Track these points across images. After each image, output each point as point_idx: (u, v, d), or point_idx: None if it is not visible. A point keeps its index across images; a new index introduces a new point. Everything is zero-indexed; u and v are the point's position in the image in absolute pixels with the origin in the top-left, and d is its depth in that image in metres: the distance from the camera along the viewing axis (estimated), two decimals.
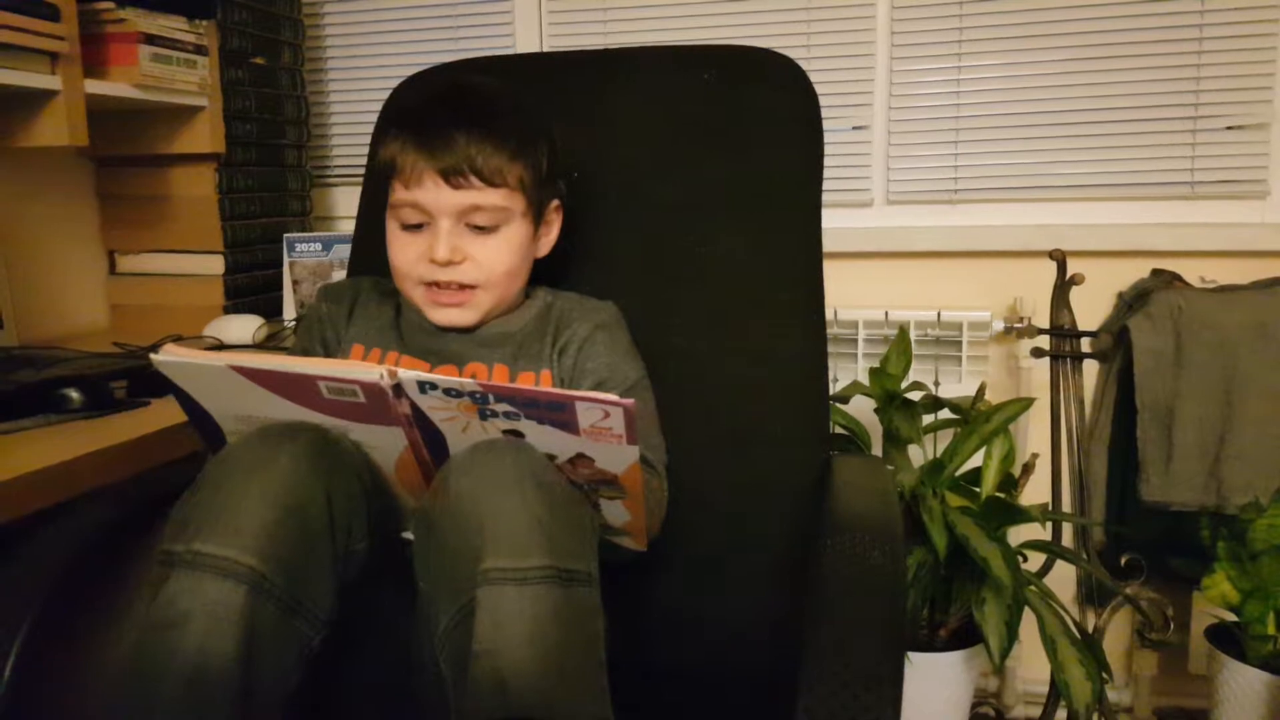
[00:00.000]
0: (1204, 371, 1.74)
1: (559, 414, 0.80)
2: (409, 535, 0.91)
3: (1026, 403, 1.69)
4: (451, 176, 0.98)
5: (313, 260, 1.87)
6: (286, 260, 1.88)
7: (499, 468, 0.80)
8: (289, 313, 1.87)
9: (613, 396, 0.77)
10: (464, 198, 0.99)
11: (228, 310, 1.81)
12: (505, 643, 0.73)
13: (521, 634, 0.73)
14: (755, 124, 1.18)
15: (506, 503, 0.77)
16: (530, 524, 0.77)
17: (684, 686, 1.04)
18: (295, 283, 1.88)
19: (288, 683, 0.78)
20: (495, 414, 0.82)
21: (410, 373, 0.80)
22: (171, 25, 1.63)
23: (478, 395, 0.80)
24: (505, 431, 0.84)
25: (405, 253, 1.03)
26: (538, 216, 1.07)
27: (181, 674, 0.72)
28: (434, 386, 0.80)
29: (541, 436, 0.83)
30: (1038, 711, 1.84)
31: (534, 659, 0.73)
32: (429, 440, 0.86)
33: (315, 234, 1.92)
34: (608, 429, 0.80)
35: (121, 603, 0.87)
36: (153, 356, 0.81)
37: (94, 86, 1.49)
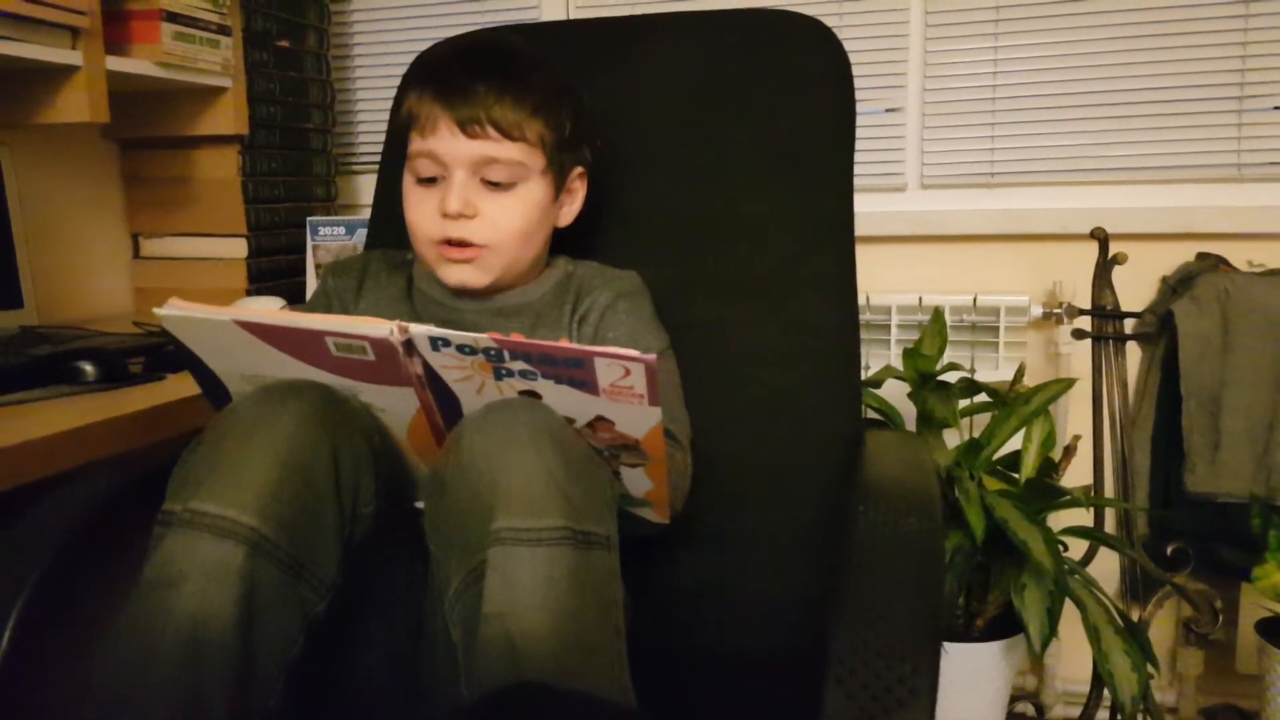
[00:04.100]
0: (1253, 357, 1.67)
1: (577, 371, 0.77)
2: (421, 505, 0.87)
3: (1068, 383, 1.63)
4: (468, 126, 0.95)
5: (336, 244, 1.85)
6: (310, 244, 1.86)
7: (514, 425, 0.76)
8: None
9: (633, 351, 0.73)
10: (479, 148, 0.96)
11: (250, 295, 1.79)
12: (517, 605, 0.69)
13: (534, 596, 0.70)
14: (784, 86, 1.14)
15: (521, 460, 0.74)
16: (546, 483, 0.73)
17: (710, 665, 1.00)
18: (318, 266, 1.86)
19: (289, 649, 0.75)
20: (511, 373, 0.79)
21: (422, 327, 0.77)
22: (194, 4, 1.61)
23: (492, 352, 0.77)
24: (522, 393, 0.80)
25: (420, 208, 1.00)
26: (558, 181, 1.03)
27: (177, 637, 0.69)
28: (447, 343, 0.77)
29: (560, 398, 0.80)
30: (1078, 712, 1.78)
31: (547, 622, 0.69)
32: (442, 403, 0.83)
33: (339, 218, 1.90)
34: (628, 388, 0.77)
35: (124, 570, 0.84)
36: (156, 310, 0.79)
37: (115, 64, 1.47)
